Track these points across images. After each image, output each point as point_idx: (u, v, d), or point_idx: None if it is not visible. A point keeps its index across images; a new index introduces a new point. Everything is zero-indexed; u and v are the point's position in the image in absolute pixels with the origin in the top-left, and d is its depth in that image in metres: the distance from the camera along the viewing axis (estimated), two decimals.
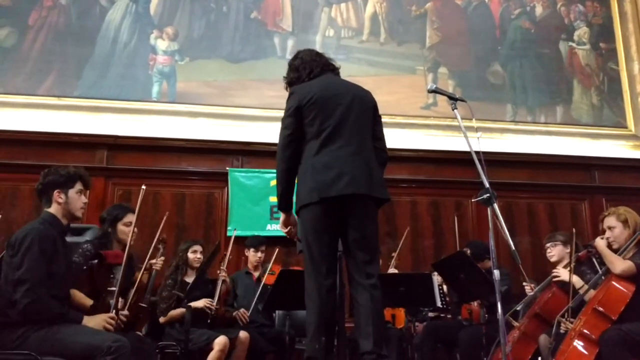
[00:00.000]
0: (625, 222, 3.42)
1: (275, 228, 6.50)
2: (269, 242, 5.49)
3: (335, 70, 3.16)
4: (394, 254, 5.88)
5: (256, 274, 4.84)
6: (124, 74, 7.04)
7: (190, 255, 4.44)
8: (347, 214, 2.77)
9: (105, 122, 6.78)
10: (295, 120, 2.83)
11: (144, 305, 3.75)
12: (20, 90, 6.74)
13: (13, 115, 6.60)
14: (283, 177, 2.83)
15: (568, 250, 4.00)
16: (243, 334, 4.13)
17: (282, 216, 2.94)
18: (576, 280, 3.62)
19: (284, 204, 2.88)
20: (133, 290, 3.44)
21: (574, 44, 8.35)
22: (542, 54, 8.18)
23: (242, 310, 4.52)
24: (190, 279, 4.40)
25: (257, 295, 4.63)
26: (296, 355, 5.06)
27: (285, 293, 3.78)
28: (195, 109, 7.08)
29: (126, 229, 3.53)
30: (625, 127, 8.18)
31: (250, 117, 7.12)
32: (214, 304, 4.17)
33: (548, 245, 4.12)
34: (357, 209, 2.78)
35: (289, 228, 2.94)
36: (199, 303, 4.15)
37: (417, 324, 5.32)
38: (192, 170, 6.85)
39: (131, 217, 3.56)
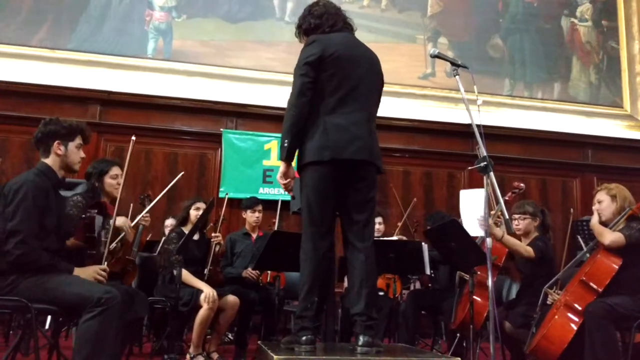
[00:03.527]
0: (613, 197, 3.45)
1: (268, 192, 6.51)
2: (267, 205, 5.47)
3: (352, 30, 3.04)
4: (399, 224, 5.88)
5: (255, 235, 4.84)
6: (120, 28, 6.92)
7: (192, 212, 4.44)
8: (352, 178, 2.73)
9: (99, 76, 6.69)
10: (315, 70, 2.70)
11: (131, 258, 3.76)
12: (12, 41, 6.61)
13: (4, 66, 6.49)
14: (294, 126, 2.69)
15: (536, 223, 4.02)
16: (233, 298, 4.16)
17: (282, 167, 2.76)
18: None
19: (289, 156, 2.73)
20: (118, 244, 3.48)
21: (575, 20, 8.28)
22: (543, 29, 8.12)
23: (249, 269, 4.54)
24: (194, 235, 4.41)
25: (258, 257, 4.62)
26: (284, 316, 5.12)
27: (277, 254, 3.79)
28: (191, 68, 6.99)
29: (113, 181, 3.49)
30: (621, 106, 8.19)
31: (246, 79, 7.05)
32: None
33: (516, 216, 4.07)
34: (363, 174, 2.75)
35: (288, 180, 2.81)
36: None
37: (403, 291, 5.38)
38: (186, 130, 6.80)
39: (117, 170, 3.52)
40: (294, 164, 2.82)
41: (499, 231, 3.72)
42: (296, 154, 2.80)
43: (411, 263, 4.38)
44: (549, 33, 8.14)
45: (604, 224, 3.47)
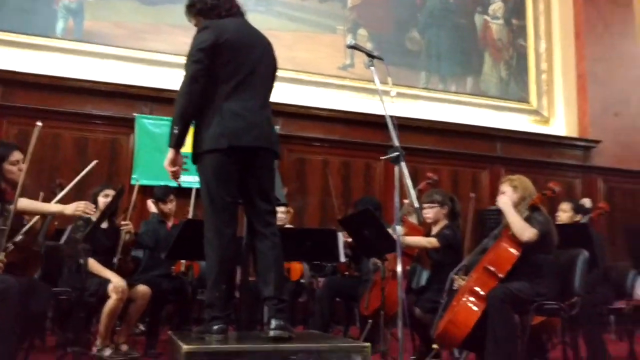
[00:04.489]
0: (515, 188, 3.63)
1: (184, 179, 6.35)
2: (179, 193, 5.34)
3: (244, 16, 3.00)
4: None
5: (170, 223, 4.72)
6: (25, 6, 6.51)
7: (100, 199, 4.24)
8: (252, 165, 2.73)
9: (2, 56, 6.28)
10: (208, 57, 2.66)
11: (35, 249, 3.56)
12: None
13: None
14: (186, 113, 2.66)
15: (445, 211, 4.18)
16: (143, 288, 4.04)
17: (171, 154, 2.72)
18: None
19: (178, 142, 2.68)
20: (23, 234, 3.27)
21: (488, 18, 8.63)
22: (459, 25, 8.41)
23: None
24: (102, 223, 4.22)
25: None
26: (198, 305, 5.04)
27: (190, 243, 3.72)
28: (104, 50, 6.70)
29: (14, 167, 3.26)
30: (528, 102, 8.64)
31: (162, 63, 6.85)
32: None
33: (425, 205, 4.22)
34: (262, 161, 2.77)
35: (176, 168, 2.76)
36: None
37: (319, 278, 5.45)
38: (97, 114, 6.52)
39: (18, 155, 3.29)
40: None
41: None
42: (191, 141, 2.74)
43: (326, 251, 4.44)
44: (463, 29, 8.44)
45: None
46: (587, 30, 8.90)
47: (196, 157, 2.75)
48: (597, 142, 8.59)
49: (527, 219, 3.48)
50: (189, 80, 2.66)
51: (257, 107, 2.76)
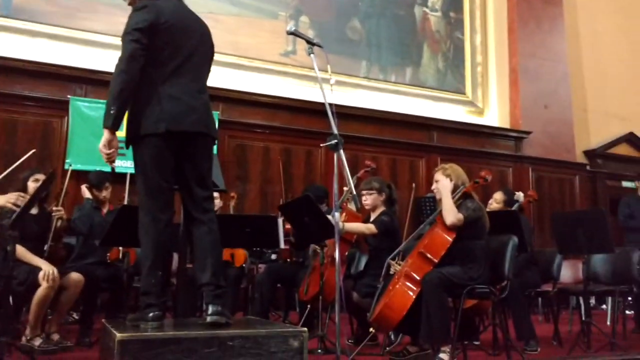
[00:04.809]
0: (448, 177, 3.75)
1: (119, 164, 6.19)
2: (114, 178, 5.19)
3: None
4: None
5: (105, 209, 4.58)
6: None
7: (30, 184, 4.06)
8: (189, 151, 2.69)
9: None
10: (146, 37, 2.59)
11: None
12: None
13: None
14: (124, 92, 2.56)
15: (382, 198, 4.29)
16: (76, 275, 3.92)
17: (107, 135, 2.61)
18: None
19: (115, 123, 2.58)
20: None
21: (427, 10, 8.80)
22: (398, 15, 8.53)
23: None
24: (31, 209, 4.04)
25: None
26: (134, 293, 4.95)
27: (126, 230, 3.64)
28: (35, 27, 6.40)
29: None
30: (464, 93, 8.89)
31: (98, 44, 6.61)
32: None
33: (363, 192, 4.31)
34: (200, 147, 2.73)
35: (112, 150, 2.66)
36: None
37: (260, 265, 5.46)
38: (28, 95, 6.23)
39: None
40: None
41: (339, 224, 3.87)
42: (125, 124, 2.68)
43: (266, 237, 4.45)
44: (403, 20, 8.57)
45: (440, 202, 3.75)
46: (519, 26, 9.24)
47: (131, 141, 2.68)
48: (527, 133, 8.96)
49: (459, 206, 3.60)
50: (127, 59, 2.58)
51: (195, 92, 2.72)
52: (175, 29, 2.68)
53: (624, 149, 10.16)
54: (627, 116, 10.07)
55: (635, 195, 5.72)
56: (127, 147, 2.72)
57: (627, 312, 5.46)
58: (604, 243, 4.13)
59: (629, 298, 5.74)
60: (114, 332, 2.39)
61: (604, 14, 10.31)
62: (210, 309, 2.58)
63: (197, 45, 2.77)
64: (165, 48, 2.65)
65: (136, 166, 2.69)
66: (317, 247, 4.19)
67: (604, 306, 6.92)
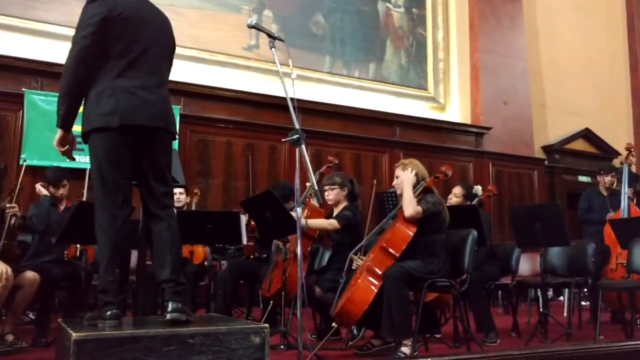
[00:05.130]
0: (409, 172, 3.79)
1: (77, 159, 6.04)
2: (74, 174, 5.06)
3: None
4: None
5: (62, 206, 4.47)
6: None
7: None
8: (147, 146, 2.64)
9: None
10: (98, 32, 2.53)
11: None
12: None
13: None
14: (72, 92, 2.53)
15: (345, 193, 4.31)
16: (31, 274, 3.82)
17: (60, 133, 2.60)
18: None
19: (64, 123, 2.57)
20: None
21: (390, 6, 8.84)
22: (362, 11, 8.55)
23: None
24: None
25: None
26: (92, 292, 4.84)
27: (83, 226, 3.55)
28: None
29: None
30: (426, 89, 8.98)
31: (54, 35, 6.43)
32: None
33: (326, 187, 4.32)
34: (158, 142, 2.67)
35: (66, 147, 2.64)
36: None
37: (222, 261, 5.41)
38: None
39: None
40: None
41: (302, 221, 3.87)
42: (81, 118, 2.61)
43: (228, 233, 4.41)
44: (366, 15, 8.59)
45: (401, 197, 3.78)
46: (480, 22, 9.38)
47: (86, 136, 2.62)
48: (488, 128, 9.11)
49: (420, 200, 3.64)
50: (76, 57, 2.53)
51: (152, 86, 2.66)
52: (130, 21, 2.61)
53: (580, 145, 10.45)
54: (583, 112, 10.36)
55: (595, 189, 5.86)
56: (85, 142, 2.66)
57: (583, 303, 5.62)
58: (560, 236, 4.24)
59: (585, 289, 5.91)
60: (70, 331, 2.33)
61: (562, 12, 10.55)
62: (170, 306, 2.54)
63: (156, 38, 2.71)
64: (119, 41, 2.59)
65: (91, 162, 2.62)
66: (279, 243, 4.17)
67: (561, 298, 7.10)
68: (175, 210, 2.78)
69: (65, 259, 4.33)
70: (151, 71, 2.67)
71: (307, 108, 7.41)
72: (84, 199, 4.75)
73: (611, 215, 5.37)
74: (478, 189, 5.03)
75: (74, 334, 2.26)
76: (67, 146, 2.65)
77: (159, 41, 2.73)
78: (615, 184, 5.63)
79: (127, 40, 2.60)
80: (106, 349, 2.29)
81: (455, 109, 9.20)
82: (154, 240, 2.67)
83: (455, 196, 4.90)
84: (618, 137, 10.44)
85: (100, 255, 2.59)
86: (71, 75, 2.52)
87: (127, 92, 2.57)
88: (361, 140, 8.05)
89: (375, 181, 5.88)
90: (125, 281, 2.74)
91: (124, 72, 2.59)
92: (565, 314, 5.50)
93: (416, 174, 3.73)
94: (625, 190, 5.46)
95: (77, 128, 2.65)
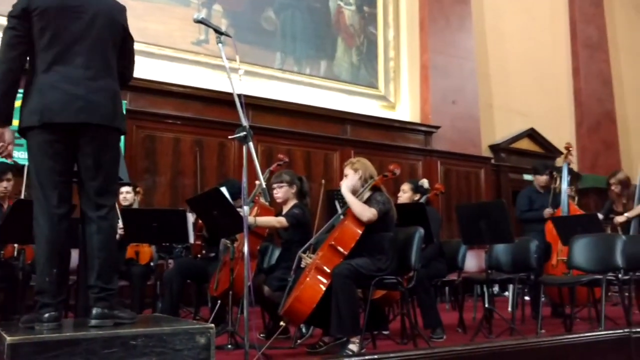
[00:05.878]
0: (356, 171, 3.80)
1: (18, 156, 5.79)
2: (19, 171, 4.83)
3: None
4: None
5: (5, 205, 4.28)
6: None
7: None
8: (80, 142, 2.54)
9: None
10: (22, 24, 2.48)
11: None
12: None
13: None
14: (2, 84, 2.45)
15: (294, 191, 4.30)
16: None
17: None
18: None
19: (3, 112, 2.49)
20: None
21: (342, 3, 8.86)
22: (314, 8, 8.53)
23: None
24: None
25: None
26: (31, 293, 4.66)
27: (22, 225, 3.41)
28: None
29: None
30: (376, 87, 9.05)
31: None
32: None
33: (274, 185, 4.30)
34: (91, 138, 2.55)
35: (2, 144, 2.54)
36: None
37: (169, 260, 5.31)
38: None
39: None
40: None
41: (251, 219, 3.85)
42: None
43: (175, 232, 4.33)
44: (318, 12, 8.58)
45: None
46: (430, 23, 9.52)
47: (20, 133, 2.56)
48: (436, 127, 9.26)
49: (368, 199, 3.66)
50: (5, 47, 2.49)
51: (83, 79, 2.54)
52: (52, 14, 2.51)
53: (525, 144, 10.77)
54: (528, 113, 10.67)
55: (532, 188, 6.01)
56: (23, 137, 2.58)
57: (526, 298, 5.78)
58: (504, 233, 4.34)
59: (528, 285, 6.08)
60: (5, 335, 2.24)
61: (509, 14, 10.82)
62: (93, 312, 2.50)
63: (89, 28, 2.58)
64: (43, 35, 2.50)
65: (28, 159, 2.55)
66: (227, 241, 4.11)
67: (506, 293, 7.29)
68: (117, 210, 2.71)
69: (2, 258, 4.16)
70: (85, 63, 2.56)
71: (257, 104, 7.35)
72: (22, 196, 4.56)
73: (549, 212, 5.54)
74: (424, 181, 5.11)
75: (8, 338, 2.18)
76: (3, 143, 2.54)
77: (93, 31, 2.60)
78: (551, 182, 5.78)
79: (52, 33, 2.51)
80: (43, 353, 2.22)
81: (405, 108, 9.31)
82: (86, 242, 2.59)
83: (404, 192, 4.95)
84: (561, 137, 10.79)
85: (38, 255, 2.51)
86: (1, 66, 2.48)
87: (51, 88, 2.50)
88: (312, 138, 8.05)
89: (323, 181, 5.86)
90: (65, 282, 2.65)
91: (52, 66, 2.52)
92: (509, 309, 5.65)
93: (363, 173, 3.75)
94: (565, 189, 5.64)
95: (16, 122, 2.57)
